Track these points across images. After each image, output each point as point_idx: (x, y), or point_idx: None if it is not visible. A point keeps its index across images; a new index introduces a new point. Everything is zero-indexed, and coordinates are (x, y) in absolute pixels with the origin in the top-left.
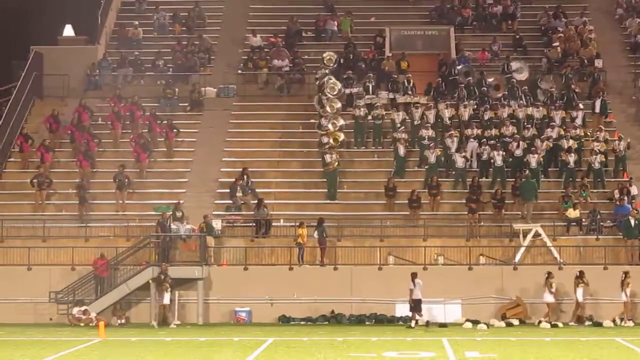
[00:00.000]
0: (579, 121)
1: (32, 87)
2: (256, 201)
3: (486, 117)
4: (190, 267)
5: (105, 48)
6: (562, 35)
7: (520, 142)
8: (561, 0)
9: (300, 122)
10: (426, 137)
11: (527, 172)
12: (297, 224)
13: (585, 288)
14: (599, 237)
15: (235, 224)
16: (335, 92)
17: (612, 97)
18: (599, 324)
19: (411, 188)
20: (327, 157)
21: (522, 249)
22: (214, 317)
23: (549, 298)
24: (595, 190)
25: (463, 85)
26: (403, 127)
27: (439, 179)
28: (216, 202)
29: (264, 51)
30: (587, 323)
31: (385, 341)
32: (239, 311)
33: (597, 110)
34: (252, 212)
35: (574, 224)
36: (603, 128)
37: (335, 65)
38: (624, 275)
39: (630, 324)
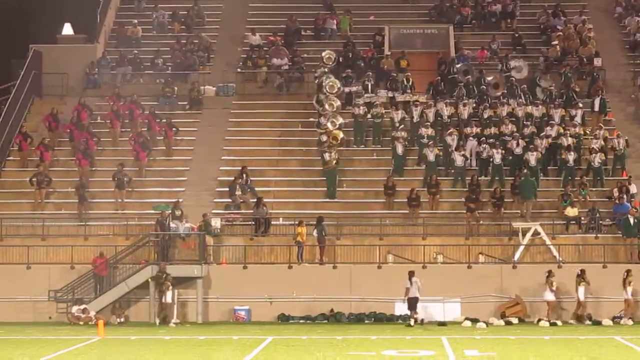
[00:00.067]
0: (578, 119)
1: (31, 85)
2: (255, 200)
3: (485, 116)
4: (189, 265)
5: (105, 47)
6: (561, 33)
7: (520, 141)
8: None
9: (299, 120)
10: (425, 135)
11: (527, 170)
12: (297, 222)
13: (587, 287)
14: (598, 235)
15: (234, 223)
16: (334, 91)
17: (611, 96)
18: (598, 323)
19: (410, 187)
20: (327, 156)
21: (522, 248)
22: (213, 316)
23: (549, 296)
24: (594, 189)
25: (462, 83)
26: (402, 126)
27: (438, 178)
28: (215, 200)
29: (263, 50)
30: (586, 322)
31: (384, 340)
32: (238, 310)
33: (597, 108)
34: (252, 211)
35: (573, 222)
36: (603, 126)
37: (335, 64)
38: (625, 274)
39: (630, 322)
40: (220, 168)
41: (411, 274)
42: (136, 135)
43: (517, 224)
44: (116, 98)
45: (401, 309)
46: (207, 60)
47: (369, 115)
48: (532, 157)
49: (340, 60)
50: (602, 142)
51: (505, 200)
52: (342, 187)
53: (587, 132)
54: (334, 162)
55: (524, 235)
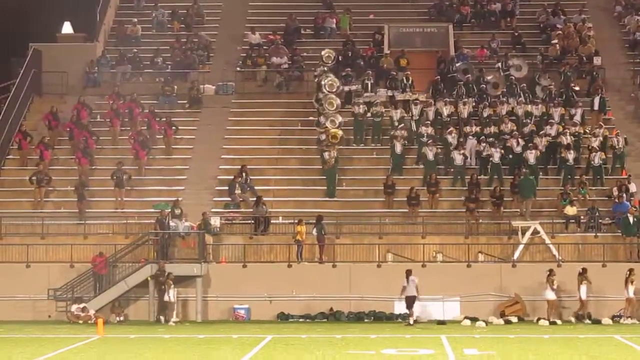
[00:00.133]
0: (577, 118)
1: (31, 84)
2: (255, 198)
3: (485, 115)
4: (189, 264)
5: (104, 45)
6: (560, 32)
7: (519, 139)
8: None
9: (299, 119)
10: (425, 134)
11: (526, 169)
12: (296, 221)
13: (589, 285)
14: (598, 234)
15: (234, 222)
16: (333, 90)
17: (611, 95)
18: (597, 322)
19: (410, 185)
20: (326, 155)
21: (521, 247)
22: (213, 315)
23: (550, 295)
24: (594, 188)
25: (462, 82)
26: (403, 125)
27: (438, 177)
28: (215, 199)
29: (262, 48)
30: (586, 321)
31: (384, 338)
32: (237, 308)
33: (596, 107)
34: (251, 210)
35: (573, 221)
36: (602, 125)
37: (334, 63)
38: (628, 273)
39: (629, 321)
40: (220, 167)
41: (408, 272)
42: (136, 134)
43: (516, 222)
44: (116, 97)
45: (400, 307)
46: (207, 59)
47: (368, 114)
48: (530, 156)
49: (340, 59)
50: (602, 139)
51: (505, 199)
52: (342, 186)
53: (587, 130)
54: (334, 161)
55: (523, 234)
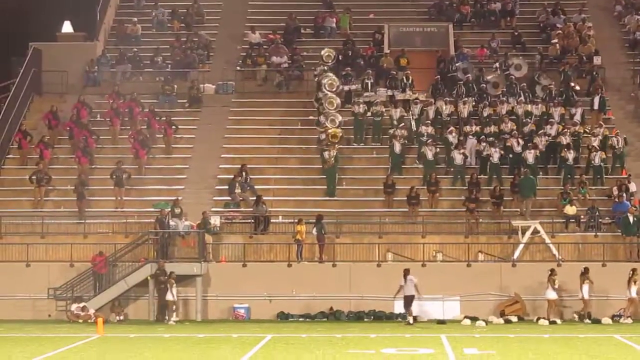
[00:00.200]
0: (577, 118)
1: (31, 83)
2: (255, 198)
3: (485, 114)
4: (188, 263)
5: (104, 44)
6: (560, 32)
7: (519, 139)
8: None
9: (299, 118)
10: (425, 134)
11: (526, 169)
12: (296, 220)
13: (591, 285)
14: (598, 234)
15: (233, 221)
16: (333, 89)
17: (611, 94)
18: (597, 321)
19: (410, 185)
20: (326, 154)
21: (521, 246)
22: (213, 314)
23: (551, 295)
24: (594, 187)
25: (462, 82)
26: (402, 124)
27: (438, 176)
28: (215, 198)
29: (262, 48)
30: (586, 320)
31: (383, 338)
32: (237, 308)
33: (596, 107)
34: (251, 209)
35: (573, 220)
36: (602, 124)
37: (334, 62)
38: (631, 272)
39: (629, 321)
40: (220, 166)
41: (406, 272)
42: (136, 133)
43: (516, 222)
44: (116, 96)
45: (400, 307)
46: (207, 58)
47: (368, 114)
48: (530, 155)
49: (340, 59)
50: (601, 138)
51: (505, 198)
52: (342, 185)
53: (587, 130)
54: (334, 160)
55: (523, 233)
